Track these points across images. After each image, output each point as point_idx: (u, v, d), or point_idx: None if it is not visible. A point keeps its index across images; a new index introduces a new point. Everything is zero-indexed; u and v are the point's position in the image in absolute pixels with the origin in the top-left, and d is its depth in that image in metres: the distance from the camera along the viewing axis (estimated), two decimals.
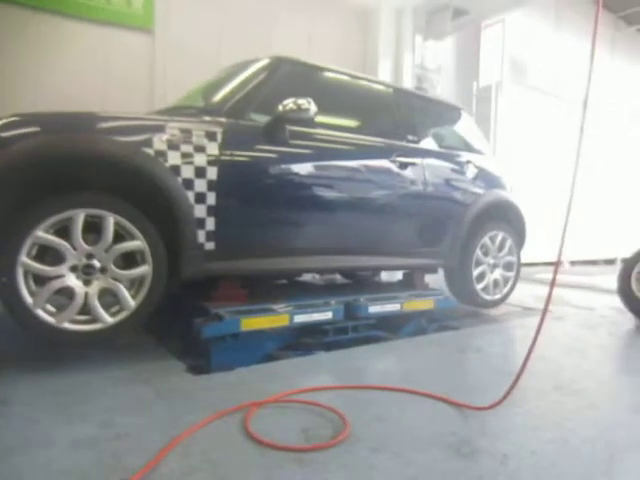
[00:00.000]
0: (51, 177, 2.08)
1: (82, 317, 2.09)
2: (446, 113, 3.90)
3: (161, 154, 2.18)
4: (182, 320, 2.54)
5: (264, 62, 2.76)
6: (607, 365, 2.60)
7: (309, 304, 2.61)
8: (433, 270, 3.69)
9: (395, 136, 3.22)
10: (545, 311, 1.74)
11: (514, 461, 1.41)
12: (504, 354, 2.72)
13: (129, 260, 2.19)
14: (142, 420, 1.59)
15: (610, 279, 4.41)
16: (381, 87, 3.42)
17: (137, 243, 2.15)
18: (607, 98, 9.08)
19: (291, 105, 2.46)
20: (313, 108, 2.47)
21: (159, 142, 2.18)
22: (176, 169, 2.22)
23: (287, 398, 1.81)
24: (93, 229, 2.07)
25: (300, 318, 2.46)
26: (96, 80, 4.60)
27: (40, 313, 1.99)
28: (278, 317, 2.41)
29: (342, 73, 3.13)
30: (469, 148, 3.79)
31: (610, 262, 9.57)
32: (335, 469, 1.33)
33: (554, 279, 1.71)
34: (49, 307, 2.03)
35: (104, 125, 2.14)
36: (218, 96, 2.70)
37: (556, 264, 1.78)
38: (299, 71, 2.88)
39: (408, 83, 6.22)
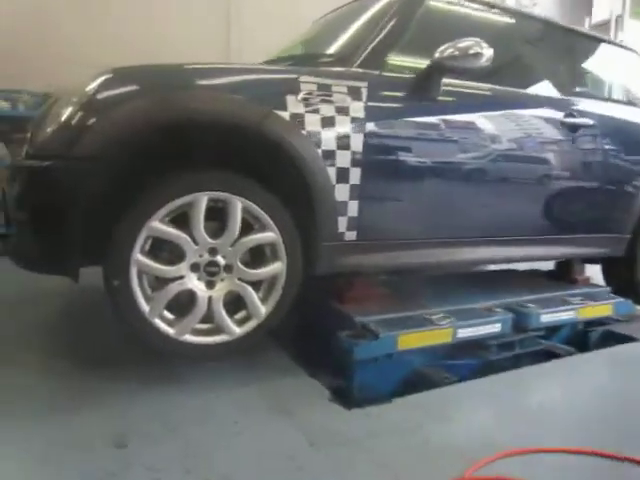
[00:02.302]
0: (160, 152, 1.65)
1: (204, 326, 1.68)
2: (622, 59, 3.09)
3: (297, 118, 1.67)
4: (312, 325, 2.08)
5: None
6: None
7: (467, 311, 2.06)
8: (597, 260, 2.99)
9: (567, 90, 2.52)
10: None
11: None
12: None
13: (255, 256, 1.73)
14: None
15: None
16: (546, 25, 2.67)
17: (270, 235, 1.69)
18: None
19: (454, 50, 1.86)
20: (487, 53, 1.85)
21: (294, 102, 1.68)
22: (316, 138, 1.71)
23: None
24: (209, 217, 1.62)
25: (465, 333, 1.92)
26: (170, 33, 4.23)
27: (157, 322, 1.59)
28: (440, 332, 1.87)
29: (497, 8, 2.45)
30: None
31: None
32: None
33: None
34: (167, 314, 1.63)
35: (220, 81, 1.66)
36: (342, 42, 2.14)
37: None
38: (441, 7, 2.23)
39: None
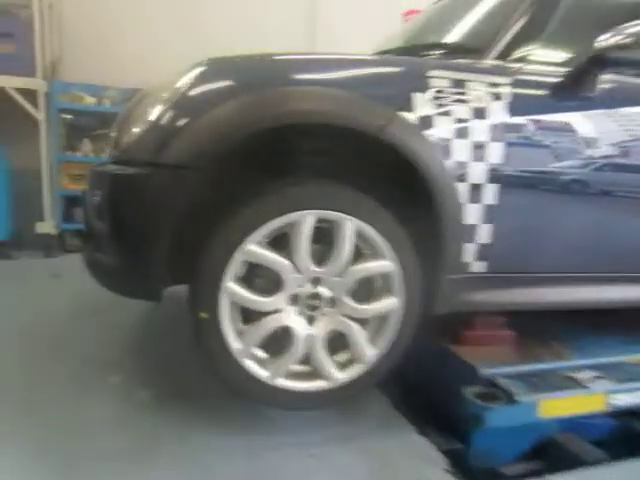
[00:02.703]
0: (261, 161, 1.39)
1: (299, 368, 1.41)
2: None
3: (425, 122, 1.35)
4: (420, 368, 1.75)
5: None
6: None
7: (617, 366, 1.64)
8: None
9: None
10: None
11: None
12: None
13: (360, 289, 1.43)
14: None
15: None
16: None
17: (386, 264, 1.38)
18: None
19: (623, 37, 1.45)
20: None
21: (422, 102, 1.35)
22: (446, 146, 1.38)
23: None
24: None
25: (622, 400, 1.50)
26: (251, 28, 4.02)
27: (247, 363, 1.33)
28: (590, 399, 1.48)
29: None
30: None
31: None
32: None
33: None
34: (259, 353, 1.37)
35: (332, 75, 1.35)
36: (472, 29, 1.77)
37: None
38: None
39: None
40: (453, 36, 1.81)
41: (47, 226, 3.41)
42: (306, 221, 1.28)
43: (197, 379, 1.65)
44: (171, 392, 1.59)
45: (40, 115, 3.35)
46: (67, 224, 3.61)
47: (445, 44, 1.77)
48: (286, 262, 1.29)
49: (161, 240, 1.22)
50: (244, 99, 1.21)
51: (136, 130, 1.28)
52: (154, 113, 1.25)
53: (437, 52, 1.74)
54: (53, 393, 1.54)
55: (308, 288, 1.34)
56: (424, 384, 1.74)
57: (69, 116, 3.75)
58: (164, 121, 1.22)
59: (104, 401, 1.51)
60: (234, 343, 1.30)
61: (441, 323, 1.70)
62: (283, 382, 1.37)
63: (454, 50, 1.69)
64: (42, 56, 3.42)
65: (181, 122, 1.21)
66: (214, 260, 1.25)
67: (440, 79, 1.39)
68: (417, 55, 1.74)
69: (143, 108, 1.34)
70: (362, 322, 1.43)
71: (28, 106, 3.32)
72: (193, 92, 1.23)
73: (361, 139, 1.30)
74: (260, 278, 1.35)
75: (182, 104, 1.23)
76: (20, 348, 1.85)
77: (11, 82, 3.28)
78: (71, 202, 3.64)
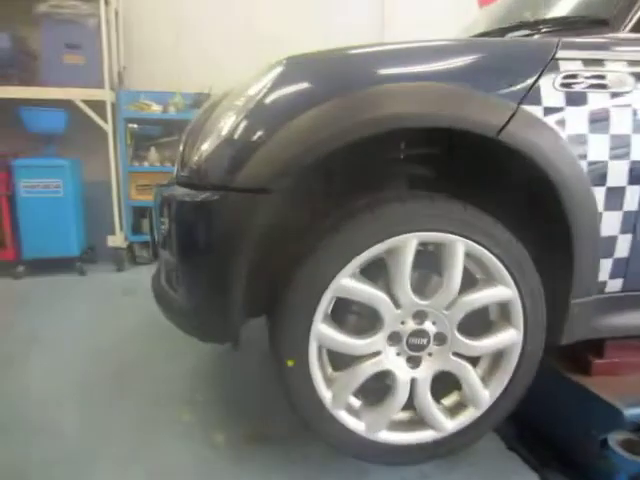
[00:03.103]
0: (352, 175, 1.18)
1: (400, 415, 1.19)
2: None
3: (555, 115, 1.08)
4: (539, 402, 1.47)
5: None
6: None
7: None
8: None
9: None
10: None
11: None
12: None
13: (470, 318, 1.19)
14: None
15: None
16: None
17: (504, 291, 1.13)
18: None
19: None
20: None
21: (551, 91, 1.08)
22: (580, 144, 1.10)
23: None
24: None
25: None
26: (316, 27, 3.81)
27: (342, 415, 1.13)
28: None
29: None
30: None
31: None
32: None
33: None
34: (353, 402, 1.16)
35: (432, 65, 1.09)
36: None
37: None
38: None
39: None
40: (567, 7, 1.50)
41: (118, 239, 3.39)
42: (409, 246, 1.05)
43: (280, 421, 1.47)
44: (251, 435, 1.42)
45: (108, 126, 3.32)
46: (135, 235, 3.58)
47: (559, 18, 1.45)
48: (384, 296, 1.07)
49: (238, 276, 1.04)
50: (334, 103, 0.99)
51: (206, 147, 1.10)
52: (226, 126, 1.06)
53: (547, 29, 1.43)
54: (124, 436, 1.41)
55: (411, 325, 1.12)
56: (544, 421, 1.47)
57: (136, 125, 3.72)
58: (238, 135, 1.03)
59: (179, 446, 1.36)
60: (325, 392, 1.10)
61: (561, 349, 1.42)
62: (383, 435, 1.16)
63: (571, 25, 1.38)
64: (109, 66, 3.38)
65: (259, 135, 1.01)
66: (301, 298, 1.05)
67: (571, 61, 1.10)
68: (522, 36, 1.45)
69: (213, 120, 1.16)
70: (473, 359, 1.19)
71: (96, 118, 3.30)
72: (271, 98, 1.03)
73: (478, 144, 1.05)
74: (351, 314, 1.14)
75: (259, 113, 1.04)
76: (87, 377, 1.75)
77: (81, 94, 3.26)
78: (139, 213, 3.61)
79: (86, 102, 3.27)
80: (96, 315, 2.40)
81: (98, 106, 3.30)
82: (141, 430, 1.44)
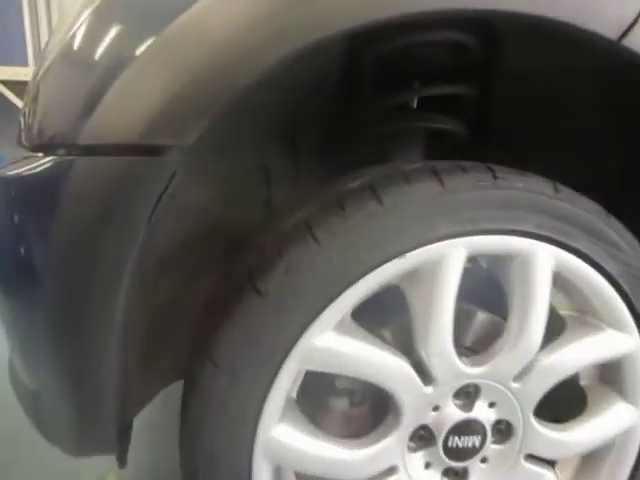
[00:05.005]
0: (331, 131, 0.65)
1: None
2: None
3: None
4: None
5: None
6: None
7: None
8: None
9: None
10: None
11: None
12: None
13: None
14: None
15: None
16: None
17: (621, 341, 0.61)
18: None
19: None
20: None
21: None
22: None
23: None
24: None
25: None
26: None
27: None
28: None
29: None
30: None
31: None
32: None
33: None
34: None
35: None
36: None
37: None
38: None
39: None
40: None
41: None
42: (451, 262, 0.52)
43: None
44: None
45: None
46: None
47: None
48: (404, 364, 0.54)
49: (113, 329, 0.50)
50: None
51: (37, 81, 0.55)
52: (67, 37, 0.51)
53: None
54: None
55: (451, 412, 0.59)
56: None
57: None
58: (85, 51, 0.48)
59: None
60: None
61: None
62: None
63: None
64: (36, 39, 2.86)
65: (125, 46, 0.46)
66: (236, 376, 0.51)
67: None
68: None
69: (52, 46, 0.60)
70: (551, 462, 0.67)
71: (20, 102, 2.77)
72: None
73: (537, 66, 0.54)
74: (335, 396, 0.60)
75: (114, 8, 0.48)
76: None
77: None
78: None
79: (5, 83, 2.74)
80: None
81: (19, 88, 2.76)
82: None
